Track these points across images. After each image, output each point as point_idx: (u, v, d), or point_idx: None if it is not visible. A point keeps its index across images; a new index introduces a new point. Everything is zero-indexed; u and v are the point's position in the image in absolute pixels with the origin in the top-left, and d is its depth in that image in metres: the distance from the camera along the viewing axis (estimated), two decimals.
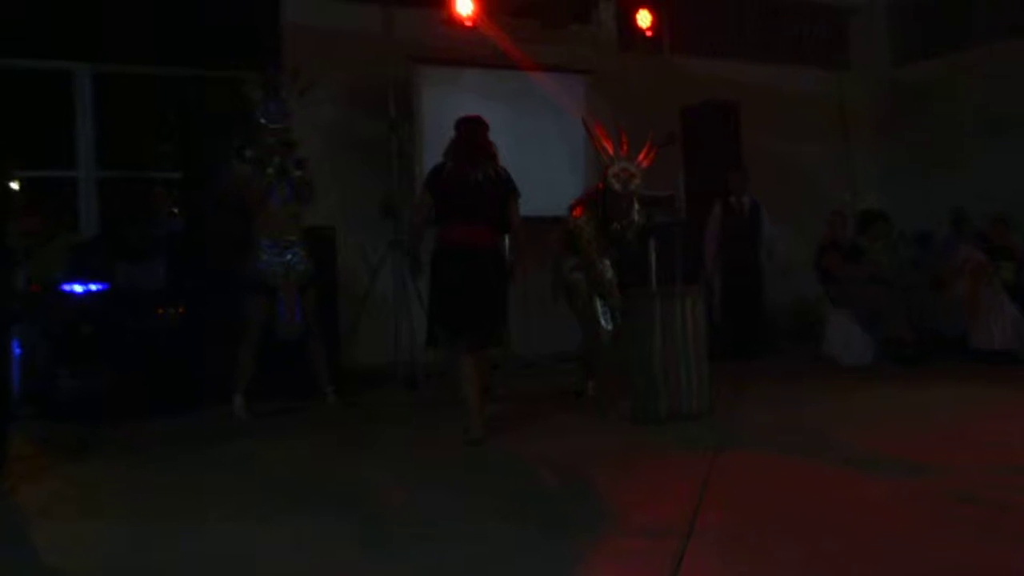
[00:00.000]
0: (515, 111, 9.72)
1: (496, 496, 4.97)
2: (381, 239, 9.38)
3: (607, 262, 7.44)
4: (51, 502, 5.09)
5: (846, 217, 10.54)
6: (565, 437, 6.41)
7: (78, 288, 7.82)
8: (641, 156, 7.26)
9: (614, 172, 7.22)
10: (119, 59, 9.16)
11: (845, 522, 4.23)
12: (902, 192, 12.44)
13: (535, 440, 6.35)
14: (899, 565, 3.71)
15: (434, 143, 7.81)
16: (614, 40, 11.42)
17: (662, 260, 7.74)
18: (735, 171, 10.37)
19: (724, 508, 4.45)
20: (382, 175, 9.56)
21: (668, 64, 11.32)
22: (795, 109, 12.13)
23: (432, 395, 8.30)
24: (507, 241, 6.77)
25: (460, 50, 9.80)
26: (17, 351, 7.20)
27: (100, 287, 7.89)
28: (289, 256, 7.39)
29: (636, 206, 7.42)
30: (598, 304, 7.41)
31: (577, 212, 7.51)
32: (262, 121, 7.35)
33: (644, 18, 10.79)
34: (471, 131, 6.48)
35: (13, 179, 6.70)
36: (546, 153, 10.01)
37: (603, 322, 7.41)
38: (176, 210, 9.11)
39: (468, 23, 9.68)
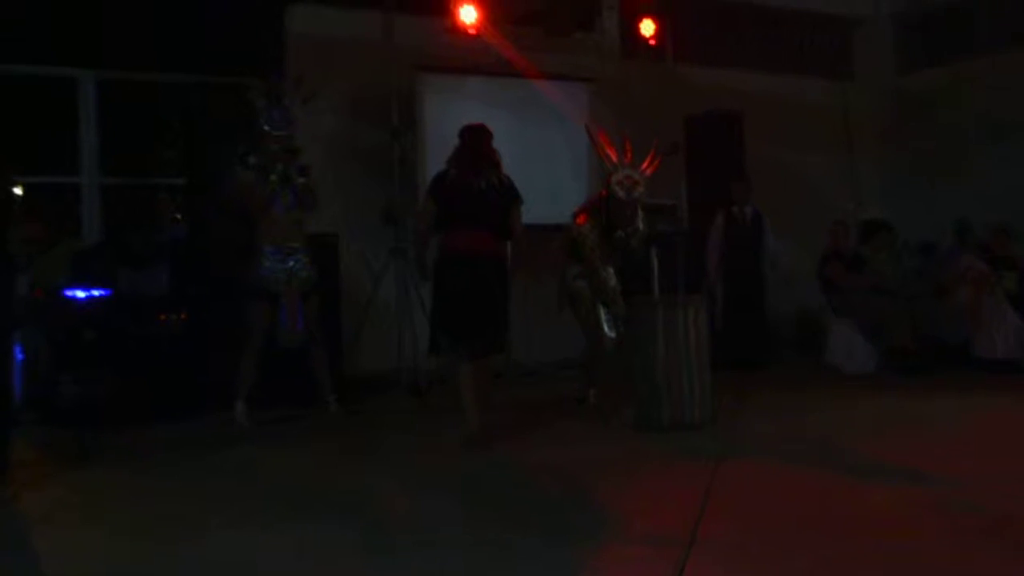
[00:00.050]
0: (518, 119, 9.72)
1: (498, 503, 4.96)
2: (383, 246, 9.37)
3: (610, 270, 7.45)
4: (53, 509, 5.09)
5: (849, 226, 10.54)
6: (567, 445, 6.40)
7: (81, 294, 7.82)
8: (645, 164, 7.26)
9: (618, 179, 7.22)
10: (123, 66, 9.18)
11: (848, 531, 4.21)
12: (906, 202, 12.43)
13: (537, 448, 6.34)
14: (902, 574, 3.70)
15: (437, 151, 7.81)
16: (617, 48, 11.43)
17: (664, 269, 7.72)
18: (738, 181, 10.36)
19: (726, 517, 4.44)
20: (384, 183, 9.55)
21: (671, 73, 11.34)
22: (799, 119, 12.12)
23: (435, 402, 8.29)
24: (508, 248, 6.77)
25: (463, 58, 9.81)
26: (19, 357, 7.20)
27: (103, 293, 7.89)
28: (292, 263, 7.39)
29: (640, 214, 7.42)
30: (601, 312, 7.41)
31: (581, 220, 7.50)
32: (266, 128, 7.35)
33: (647, 27, 10.81)
34: (475, 139, 6.49)
35: (15, 185, 6.70)
36: (549, 161, 10.01)
37: (606, 330, 7.41)
38: (179, 216, 9.12)
39: (472, 31, 9.70)
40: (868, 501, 4.72)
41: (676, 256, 9.05)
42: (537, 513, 4.73)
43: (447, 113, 9.03)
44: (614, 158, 7.27)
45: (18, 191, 7.03)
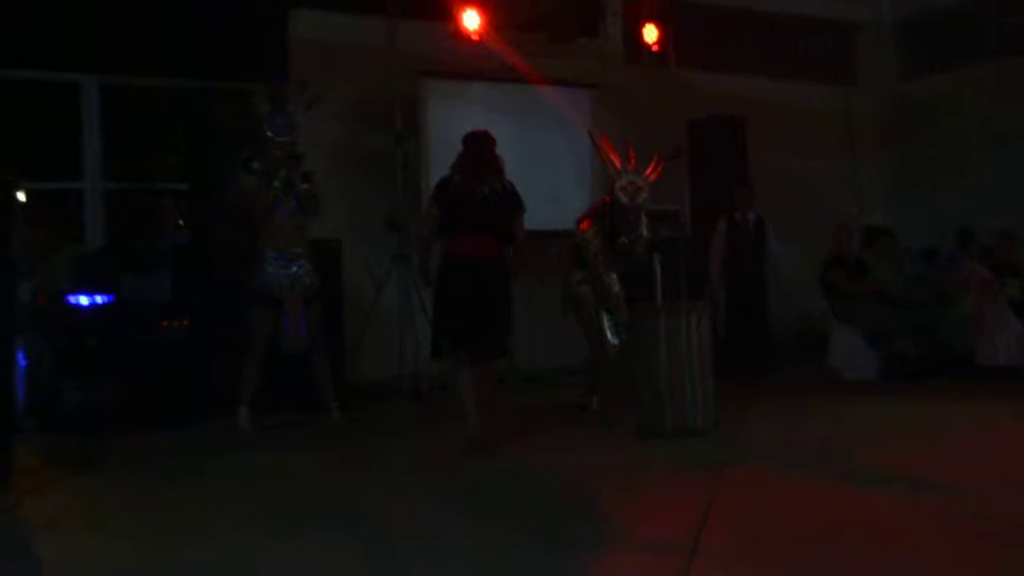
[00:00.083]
0: (522, 124, 9.73)
1: (500, 510, 4.96)
2: (386, 252, 9.38)
3: (614, 276, 7.43)
4: (56, 515, 5.09)
5: (851, 232, 10.53)
6: (570, 451, 6.40)
7: (84, 300, 7.82)
8: (649, 170, 7.25)
9: (621, 185, 7.21)
10: (126, 71, 9.19)
11: (849, 538, 4.21)
12: (908, 207, 12.43)
13: (540, 454, 6.34)
14: None
15: (440, 156, 7.82)
16: (621, 54, 11.45)
17: (667, 275, 7.71)
18: (741, 187, 10.32)
19: (729, 524, 4.43)
20: (388, 189, 9.55)
21: (675, 78, 11.35)
22: (802, 124, 12.12)
23: (437, 408, 8.29)
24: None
25: (467, 64, 9.82)
26: (22, 362, 7.21)
27: (106, 299, 7.89)
28: (295, 269, 7.39)
29: (644, 220, 7.42)
30: (604, 318, 7.40)
31: (584, 225, 7.50)
32: (269, 134, 7.35)
33: (651, 32, 10.82)
34: (479, 145, 6.52)
35: (18, 190, 6.71)
36: (552, 166, 10.03)
37: (609, 336, 7.40)
38: (182, 222, 9.12)
39: (475, 37, 9.71)
40: (870, 508, 4.71)
41: (679, 262, 9.03)
42: (539, 520, 4.72)
43: (450, 119, 9.04)
44: (618, 164, 7.27)
45: (21, 196, 7.04)
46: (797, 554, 4.02)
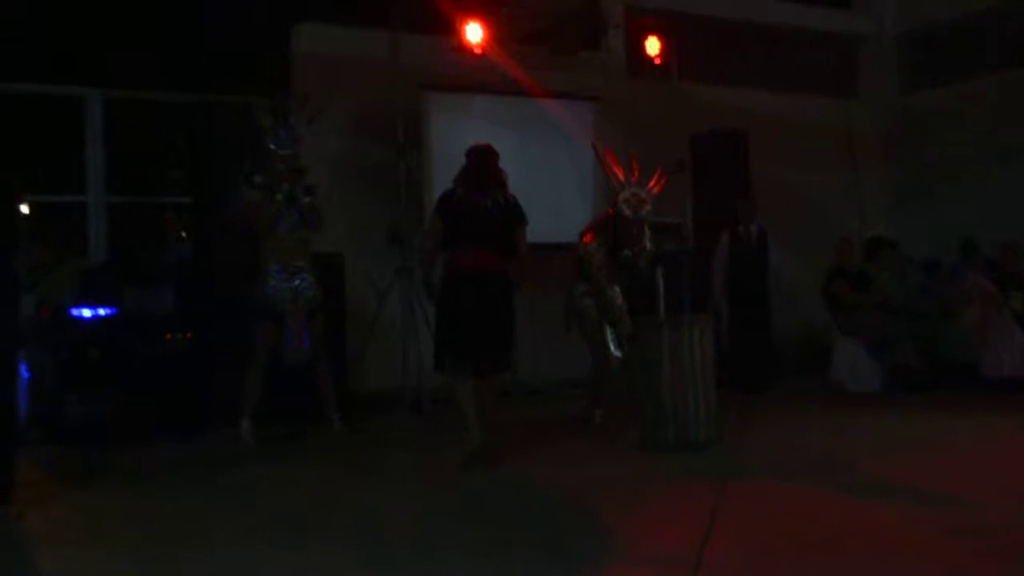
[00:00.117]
0: (524, 138, 9.74)
1: (502, 523, 4.95)
2: (389, 266, 9.38)
3: (617, 288, 7.42)
4: (58, 528, 5.09)
5: (854, 244, 10.53)
6: (573, 464, 6.39)
7: (87, 313, 7.83)
8: (652, 183, 7.25)
9: (624, 198, 7.21)
10: (129, 85, 9.24)
11: (854, 551, 4.19)
12: (911, 219, 12.44)
13: (542, 466, 6.32)
14: None
15: (443, 169, 7.83)
16: (623, 67, 11.48)
17: (670, 288, 7.71)
18: (744, 200, 10.32)
19: (732, 538, 4.42)
20: (390, 202, 9.55)
21: (677, 91, 11.37)
22: (804, 137, 12.15)
23: (439, 420, 8.27)
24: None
25: (469, 77, 9.84)
26: (25, 375, 7.20)
27: (109, 312, 7.90)
28: (297, 282, 7.40)
29: (647, 232, 7.42)
30: (607, 331, 7.39)
31: (587, 238, 7.49)
32: (271, 147, 7.36)
33: (653, 45, 10.83)
34: (482, 159, 6.52)
35: (22, 203, 6.72)
36: (555, 179, 10.03)
37: (612, 349, 7.39)
38: (185, 235, 9.14)
39: (477, 50, 9.72)
40: (873, 520, 4.70)
41: (682, 275, 9.03)
42: (542, 532, 4.71)
43: (453, 132, 9.06)
44: (621, 176, 7.27)
45: (25, 209, 7.05)
46: (800, 566, 4.00)
